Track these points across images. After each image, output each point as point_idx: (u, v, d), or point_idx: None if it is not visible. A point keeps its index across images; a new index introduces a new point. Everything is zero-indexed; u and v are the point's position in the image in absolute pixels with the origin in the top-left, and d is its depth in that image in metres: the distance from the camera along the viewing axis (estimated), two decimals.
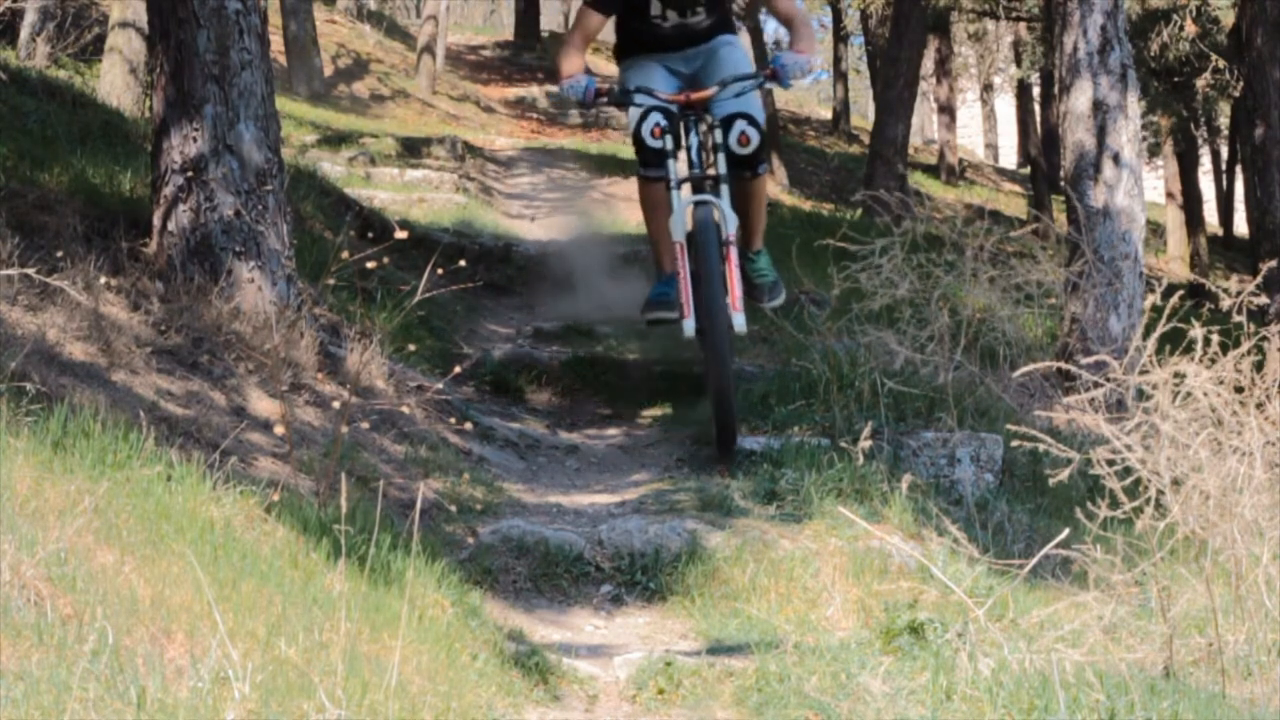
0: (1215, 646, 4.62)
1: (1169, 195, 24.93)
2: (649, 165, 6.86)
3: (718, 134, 6.84)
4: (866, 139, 22.94)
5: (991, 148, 35.18)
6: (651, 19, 7.06)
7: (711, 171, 6.86)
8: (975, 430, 6.91)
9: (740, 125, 6.84)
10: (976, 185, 28.15)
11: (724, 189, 6.82)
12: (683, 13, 7.06)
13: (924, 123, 34.94)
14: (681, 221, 6.75)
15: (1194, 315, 5.19)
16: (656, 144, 6.78)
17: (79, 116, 9.42)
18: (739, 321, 6.64)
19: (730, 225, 6.72)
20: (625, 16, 7.14)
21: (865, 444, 5.79)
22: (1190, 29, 17.88)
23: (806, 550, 5.77)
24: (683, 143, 6.87)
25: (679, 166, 6.86)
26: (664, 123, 6.76)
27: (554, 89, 26.53)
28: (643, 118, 6.79)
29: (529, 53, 28.67)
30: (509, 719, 4.42)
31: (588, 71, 6.94)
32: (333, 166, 14.92)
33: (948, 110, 27.76)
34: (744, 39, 7.88)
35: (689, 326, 6.71)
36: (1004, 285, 7.89)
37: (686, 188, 6.87)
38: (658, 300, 6.96)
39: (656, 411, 8.20)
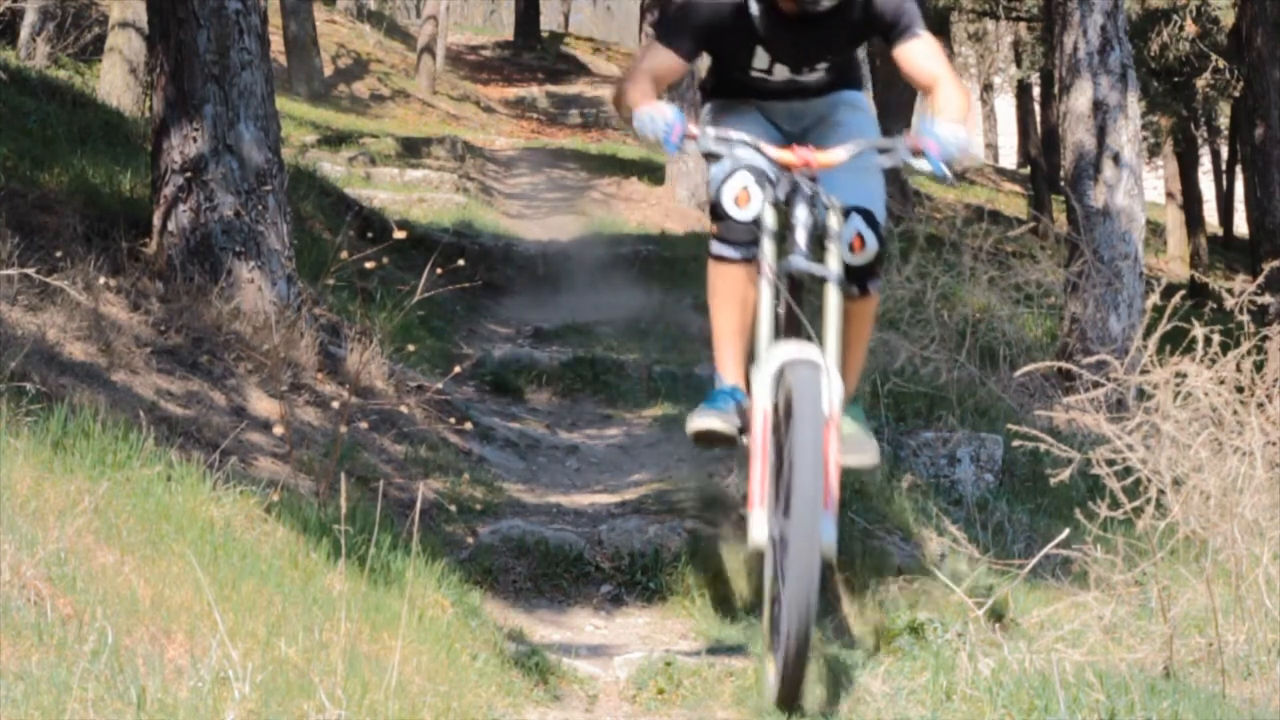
0: (1215, 646, 4.62)
1: (1169, 195, 24.95)
2: (726, 240, 4.91)
3: (832, 219, 4.84)
4: None
5: (991, 148, 35.19)
6: (753, 73, 5.14)
7: (820, 270, 4.82)
8: (975, 430, 6.91)
9: (855, 224, 4.94)
10: (976, 185, 28.15)
11: (832, 308, 4.83)
12: (797, 69, 5.12)
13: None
14: (771, 381, 4.76)
15: (1194, 315, 5.20)
16: (742, 215, 4.88)
17: (79, 116, 9.42)
18: (828, 533, 4.48)
19: (835, 394, 4.65)
20: (718, 63, 5.28)
21: None
22: (1190, 29, 17.90)
23: None
24: (790, 218, 4.85)
25: (774, 252, 4.93)
26: (754, 185, 4.88)
27: (554, 89, 26.56)
28: (727, 176, 4.93)
29: (529, 53, 28.70)
30: (509, 719, 4.42)
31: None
32: (333, 166, 14.94)
33: None
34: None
35: (759, 530, 4.67)
36: (1004, 285, 7.91)
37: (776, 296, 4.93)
38: (711, 409, 4.97)
39: (656, 411, 8.19)
